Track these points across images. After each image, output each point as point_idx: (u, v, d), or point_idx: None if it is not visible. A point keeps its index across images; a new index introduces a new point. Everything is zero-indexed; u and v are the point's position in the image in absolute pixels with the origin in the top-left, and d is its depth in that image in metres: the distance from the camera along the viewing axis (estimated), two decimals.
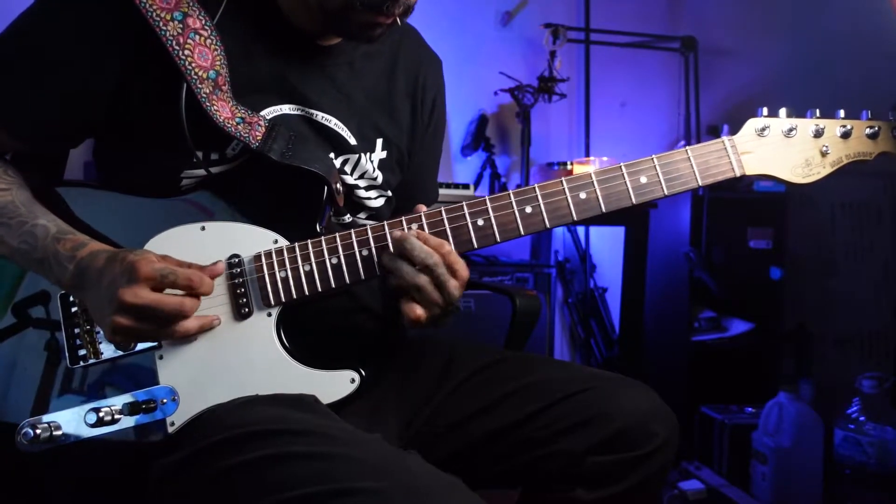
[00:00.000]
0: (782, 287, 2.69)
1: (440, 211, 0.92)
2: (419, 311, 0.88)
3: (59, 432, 0.86)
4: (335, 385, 0.90)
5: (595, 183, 0.92)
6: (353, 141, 1.04)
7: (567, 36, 2.92)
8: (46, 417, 0.87)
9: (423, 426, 1.03)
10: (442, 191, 2.45)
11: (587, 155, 3.06)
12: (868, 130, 0.95)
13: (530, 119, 2.93)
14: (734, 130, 0.97)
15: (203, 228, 0.91)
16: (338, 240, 0.91)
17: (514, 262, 2.93)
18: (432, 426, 1.03)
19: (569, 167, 2.92)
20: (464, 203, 0.92)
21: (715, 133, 3.03)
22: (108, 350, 0.89)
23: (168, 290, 0.82)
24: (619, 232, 2.58)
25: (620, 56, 3.22)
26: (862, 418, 2.24)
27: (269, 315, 0.90)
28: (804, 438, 2.17)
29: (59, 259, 0.85)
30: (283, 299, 0.90)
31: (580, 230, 3.13)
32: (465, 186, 2.52)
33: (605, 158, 2.90)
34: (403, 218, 0.91)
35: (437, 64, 1.20)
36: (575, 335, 3.13)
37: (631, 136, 3.27)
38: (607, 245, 3.12)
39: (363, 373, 0.91)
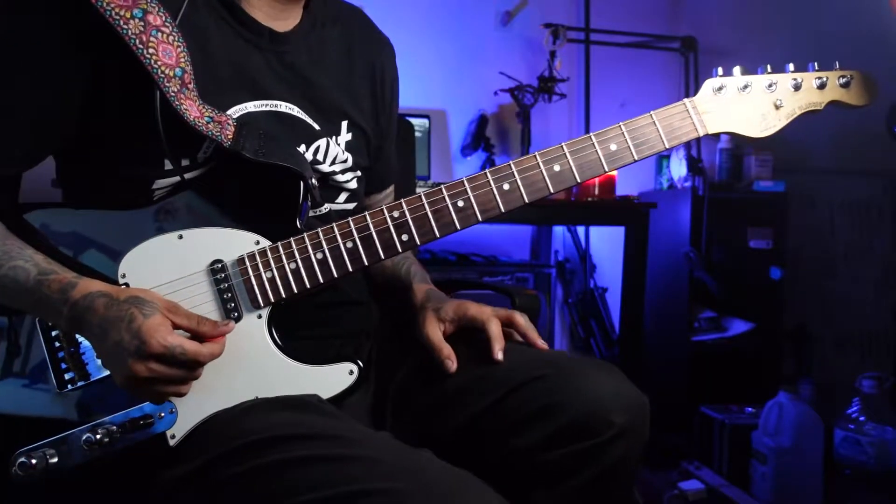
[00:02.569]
0: (782, 287, 2.69)
1: (420, 196, 0.92)
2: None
3: (55, 460, 0.83)
4: (334, 378, 0.90)
5: (567, 154, 0.94)
6: (316, 126, 1.03)
7: (567, 36, 2.92)
8: (40, 446, 0.84)
9: (393, 421, 1.02)
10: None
11: None
12: (816, 81, 1.00)
13: (530, 119, 2.93)
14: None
15: (181, 237, 0.89)
16: (321, 234, 0.90)
17: (514, 262, 2.93)
18: (400, 421, 1.02)
19: None
20: (442, 186, 0.92)
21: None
22: (96, 371, 0.86)
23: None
24: (619, 232, 2.58)
25: (620, 56, 3.22)
26: (862, 418, 2.24)
27: (260, 317, 0.89)
28: (804, 438, 2.17)
29: (49, 303, 0.81)
30: (272, 299, 0.89)
31: (580, 230, 3.13)
32: None
33: None
34: (385, 206, 0.91)
35: (389, 47, 1.20)
36: (575, 335, 3.13)
37: None
38: (607, 245, 3.12)
39: (360, 363, 0.90)
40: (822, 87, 1.00)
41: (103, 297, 0.80)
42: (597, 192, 2.59)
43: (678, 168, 2.84)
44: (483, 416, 0.95)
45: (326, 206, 1.06)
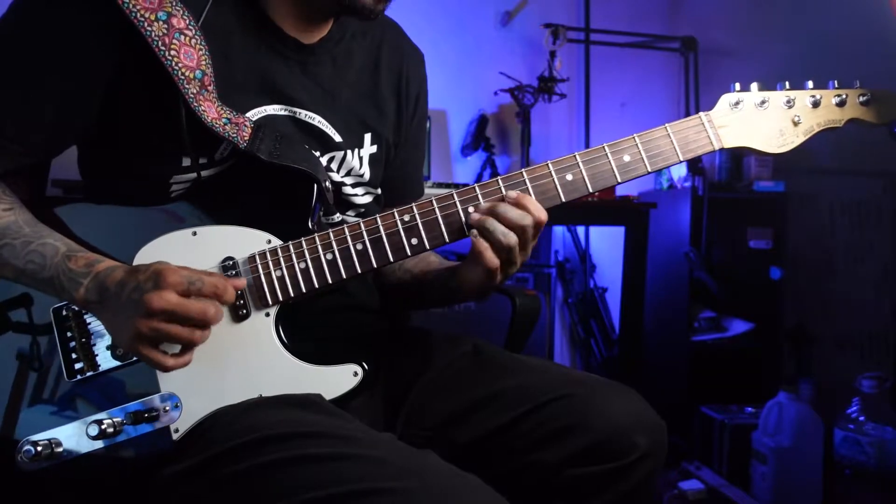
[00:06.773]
0: (782, 287, 2.69)
1: (431, 201, 0.92)
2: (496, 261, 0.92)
3: (61, 448, 0.85)
4: (338, 380, 0.90)
5: (580, 164, 0.94)
6: (338, 138, 1.04)
7: (567, 36, 2.92)
8: (47, 434, 0.86)
9: (405, 427, 1.02)
10: (442, 191, 2.46)
11: None
12: (836, 99, 0.98)
13: (530, 119, 2.93)
14: None
15: (195, 233, 0.91)
16: (331, 236, 0.91)
17: None
18: (413, 427, 1.02)
19: None
20: (453, 192, 0.92)
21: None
22: (105, 362, 0.88)
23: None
24: (619, 232, 2.58)
25: (620, 56, 3.22)
26: (862, 418, 2.24)
27: (268, 315, 0.90)
28: (804, 438, 2.17)
29: (71, 276, 0.84)
30: (281, 298, 0.90)
31: (580, 230, 3.13)
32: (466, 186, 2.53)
33: None
34: (395, 210, 0.92)
35: (419, 57, 1.20)
36: (575, 335, 3.13)
37: None
38: (607, 245, 3.12)
39: (366, 366, 0.91)
40: (841, 104, 0.98)
41: (124, 267, 0.84)
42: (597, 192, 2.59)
43: (678, 168, 2.84)
44: (506, 429, 0.96)
45: (338, 216, 1.07)
